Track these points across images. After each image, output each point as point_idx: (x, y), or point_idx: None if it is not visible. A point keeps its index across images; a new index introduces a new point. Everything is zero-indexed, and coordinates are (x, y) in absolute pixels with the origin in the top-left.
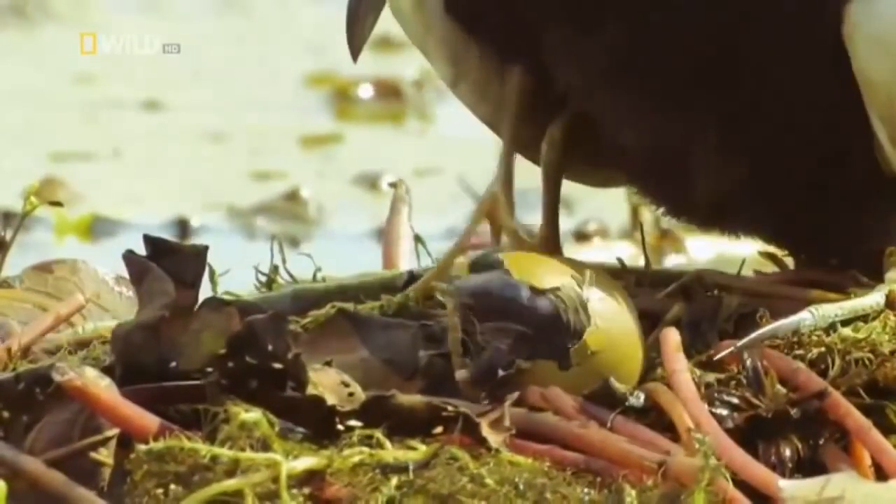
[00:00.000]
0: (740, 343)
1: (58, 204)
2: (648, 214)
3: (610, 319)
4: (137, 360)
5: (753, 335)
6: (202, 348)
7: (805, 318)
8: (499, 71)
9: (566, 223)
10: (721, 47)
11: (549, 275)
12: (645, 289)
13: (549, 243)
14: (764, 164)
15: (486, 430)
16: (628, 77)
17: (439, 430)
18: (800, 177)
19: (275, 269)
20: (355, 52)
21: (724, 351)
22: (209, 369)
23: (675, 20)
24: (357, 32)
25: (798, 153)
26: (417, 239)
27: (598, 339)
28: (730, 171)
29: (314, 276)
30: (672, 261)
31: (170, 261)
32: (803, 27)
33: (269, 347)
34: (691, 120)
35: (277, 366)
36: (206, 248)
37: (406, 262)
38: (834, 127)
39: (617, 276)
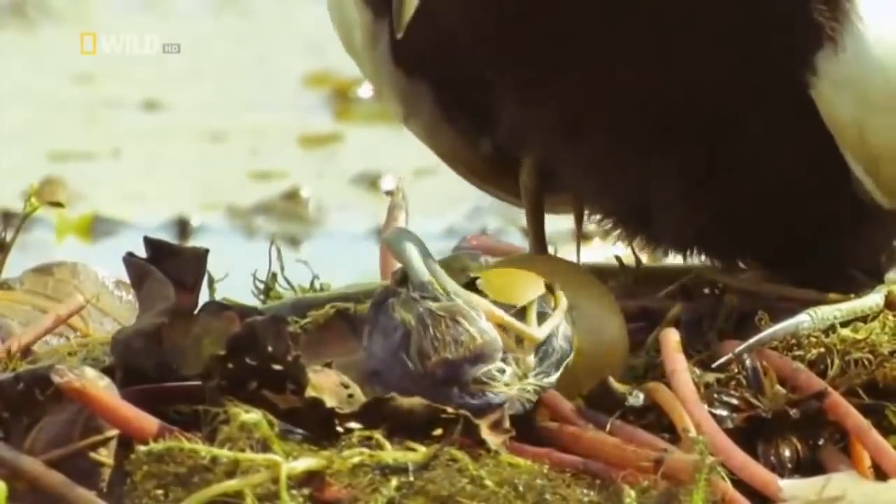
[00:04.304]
0: (738, 349)
1: (59, 205)
2: None
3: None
4: (138, 366)
5: (751, 340)
6: (203, 353)
7: (803, 320)
8: (447, 116)
9: (566, 224)
10: (681, 104)
11: (523, 292)
12: (645, 288)
13: None
14: (731, 211)
15: (485, 432)
16: (583, 134)
17: (439, 431)
18: (773, 218)
19: (273, 276)
20: (400, 25)
21: (723, 358)
22: (209, 372)
23: (631, 77)
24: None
25: (768, 197)
26: None
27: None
28: (693, 220)
29: (312, 283)
30: (671, 259)
31: (170, 263)
32: (766, 84)
33: (269, 349)
34: (651, 173)
35: (277, 367)
36: (206, 251)
37: None
38: (806, 169)
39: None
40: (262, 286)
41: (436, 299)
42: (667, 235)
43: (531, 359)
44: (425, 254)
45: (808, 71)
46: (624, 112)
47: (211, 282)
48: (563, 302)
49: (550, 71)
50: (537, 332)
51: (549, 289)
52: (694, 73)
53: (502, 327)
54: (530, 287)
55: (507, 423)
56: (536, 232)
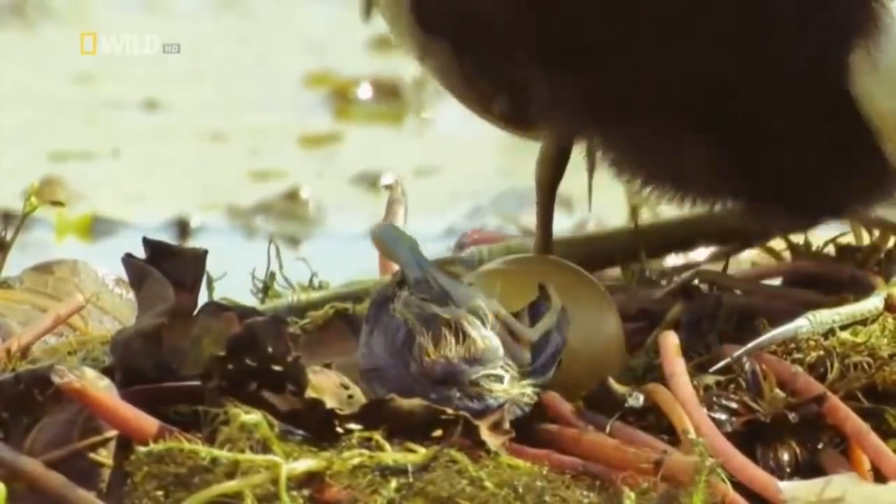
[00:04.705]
0: (736, 353)
1: (59, 204)
2: (647, 214)
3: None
4: (137, 366)
5: (750, 345)
6: (202, 354)
7: (802, 324)
8: (464, 75)
9: (566, 223)
10: (716, 93)
11: (517, 296)
12: (644, 288)
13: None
14: (759, 184)
15: (485, 434)
16: (612, 114)
17: (438, 432)
18: (805, 186)
19: (272, 275)
20: (367, 12)
21: (721, 363)
22: (209, 373)
23: (667, 64)
24: None
25: (801, 170)
26: None
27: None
28: (723, 190)
29: (310, 281)
30: (670, 260)
31: (169, 264)
32: (803, 77)
33: (269, 350)
34: (682, 150)
35: (277, 368)
36: (205, 251)
37: None
38: (839, 145)
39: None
40: (260, 285)
41: (436, 300)
42: (696, 194)
43: (527, 355)
44: (415, 249)
45: (846, 68)
46: (657, 95)
47: (209, 282)
48: (557, 302)
49: (581, 57)
50: (531, 332)
51: (543, 289)
52: (729, 67)
53: (498, 319)
54: (524, 290)
55: (506, 425)
56: (544, 223)
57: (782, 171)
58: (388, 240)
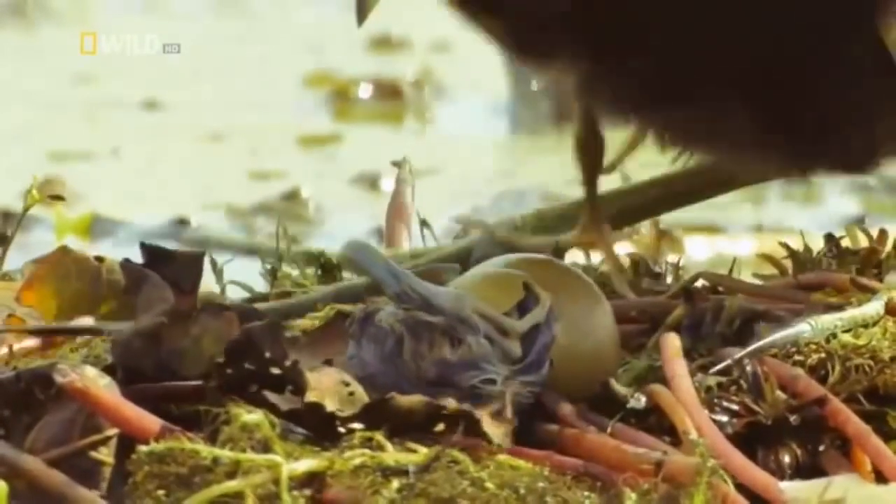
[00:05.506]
0: (737, 356)
1: (59, 198)
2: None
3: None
4: (137, 366)
5: (751, 348)
6: (202, 354)
7: (804, 329)
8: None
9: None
10: (759, 59)
11: (503, 299)
12: (647, 289)
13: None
14: (802, 137)
15: (487, 425)
16: (658, 97)
17: (440, 427)
18: (836, 139)
19: (279, 258)
20: (362, 15)
21: (722, 364)
22: (209, 377)
23: (715, 47)
24: None
25: (830, 118)
26: (424, 223)
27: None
28: (767, 145)
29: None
30: (670, 261)
31: (167, 268)
32: (847, 37)
33: (267, 354)
34: (726, 113)
35: (276, 371)
36: (202, 253)
37: (408, 242)
38: (874, 101)
39: None
40: (269, 268)
41: (420, 310)
42: (737, 151)
43: (517, 347)
44: (388, 262)
45: (886, 29)
46: (703, 73)
47: (218, 271)
48: (545, 298)
49: (630, 46)
50: (519, 324)
51: (528, 287)
52: (773, 31)
53: (485, 318)
54: (510, 292)
55: (508, 413)
56: (592, 196)
57: (824, 125)
58: (360, 258)
